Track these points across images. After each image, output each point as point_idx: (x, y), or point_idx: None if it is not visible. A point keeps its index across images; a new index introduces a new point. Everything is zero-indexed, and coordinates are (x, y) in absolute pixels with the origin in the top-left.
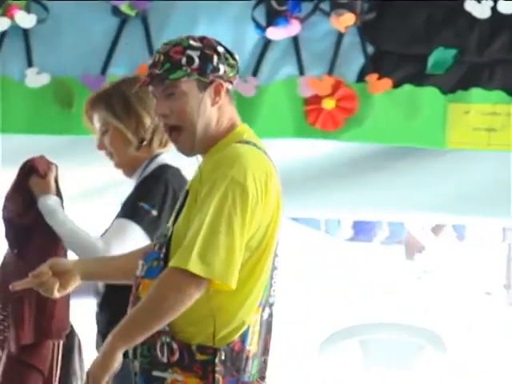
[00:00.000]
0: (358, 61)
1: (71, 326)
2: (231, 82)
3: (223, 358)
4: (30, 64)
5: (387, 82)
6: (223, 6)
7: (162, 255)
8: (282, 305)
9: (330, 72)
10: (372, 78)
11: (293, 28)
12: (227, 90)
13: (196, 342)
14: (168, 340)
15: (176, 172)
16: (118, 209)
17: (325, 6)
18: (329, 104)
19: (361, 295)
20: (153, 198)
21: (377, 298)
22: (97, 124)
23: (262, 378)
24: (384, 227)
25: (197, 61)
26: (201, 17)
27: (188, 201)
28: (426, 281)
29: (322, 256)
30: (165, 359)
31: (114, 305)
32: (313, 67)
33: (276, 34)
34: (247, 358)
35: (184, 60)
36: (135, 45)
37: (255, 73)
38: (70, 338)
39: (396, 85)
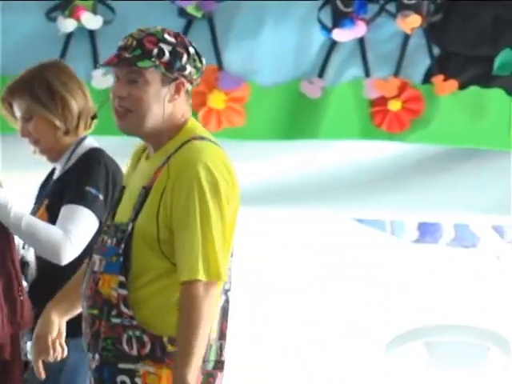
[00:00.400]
0: (424, 62)
1: None
2: (192, 83)
3: None
4: (96, 65)
5: (453, 84)
6: (289, 7)
7: (120, 251)
8: (347, 306)
9: (396, 73)
10: (438, 79)
11: (359, 29)
12: (187, 90)
13: (167, 335)
14: (138, 334)
15: (109, 155)
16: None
17: (391, 7)
18: (395, 105)
19: (426, 296)
20: (97, 182)
21: (442, 299)
22: (18, 112)
23: (220, 362)
24: (449, 229)
25: (167, 55)
26: (267, 18)
27: (151, 198)
28: (492, 282)
29: (388, 257)
30: (134, 352)
31: (43, 291)
32: (378, 69)
33: (342, 35)
34: (211, 347)
35: (155, 51)
36: (201, 46)
37: (321, 74)
38: None
39: (462, 86)
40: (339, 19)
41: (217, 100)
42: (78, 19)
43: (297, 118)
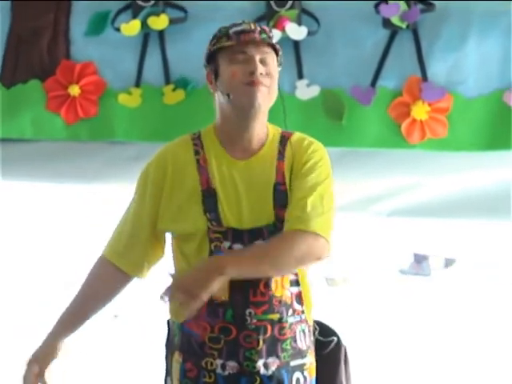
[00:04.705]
0: None
1: (338, 336)
2: None
3: None
4: (300, 76)
5: None
6: (495, 18)
7: None
8: None
9: None
10: None
11: None
12: None
13: (312, 323)
14: (303, 327)
15: None
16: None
17: None
18: None
19: None
20: None
21: None
22: None
23: None
24: None
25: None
26: (472, 28)
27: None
28: None
29: None
30: (304, 346)
31: None
32: None
33: None
34: None
35: (271, 34)
36: (405, 57)
37: None
38: (337, 348)
39: None
40: None
41: (420, 111)
42: (282, 30)
43: (499, 129)
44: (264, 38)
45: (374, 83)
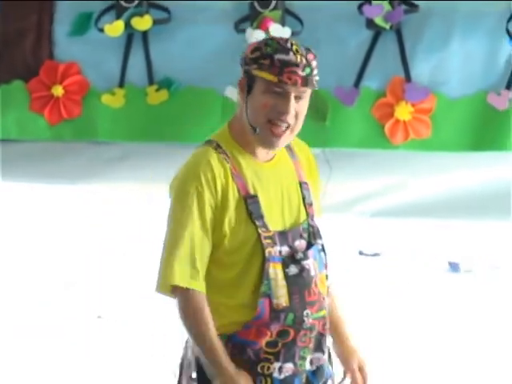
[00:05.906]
0: None
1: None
2: None
3: None
4: None
5: None
6: (478, 19)
7: (320, 247)
8: None
9: None
10: None
11: None
12: None
13: None
14: None
15: None
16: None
17: None
18: None
19: None
20: None
21: None
22: None
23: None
24: None
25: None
26: (455, 29)
27: (310, 191)
28: None
29: None
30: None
31: None
32: None
33: None
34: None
35: (315, 70)
36: (389, 57)
37: (509, 86)
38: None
39: None
40: None
41: (403, 111)
42: (266, 30)
43: (483, 129)
44: (307, 74)
45: (357, 84)
